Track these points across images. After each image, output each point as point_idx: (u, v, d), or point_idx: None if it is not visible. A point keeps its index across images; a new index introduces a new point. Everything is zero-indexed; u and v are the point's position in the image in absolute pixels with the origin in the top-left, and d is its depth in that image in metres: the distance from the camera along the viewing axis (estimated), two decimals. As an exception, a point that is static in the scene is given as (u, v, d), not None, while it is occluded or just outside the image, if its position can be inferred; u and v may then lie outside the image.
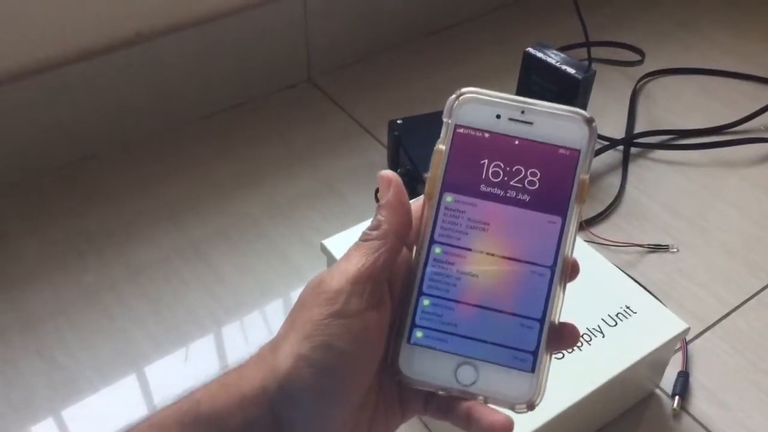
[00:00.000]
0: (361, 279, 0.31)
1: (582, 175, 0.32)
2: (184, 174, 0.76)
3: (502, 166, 0.32)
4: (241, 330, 0.62)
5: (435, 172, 0.32)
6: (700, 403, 0.58)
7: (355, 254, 0.32)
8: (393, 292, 0.33)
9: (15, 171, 0.73)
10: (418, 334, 0.32)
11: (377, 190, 0.72)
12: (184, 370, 0.59)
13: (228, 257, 0.67)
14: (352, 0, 0.86)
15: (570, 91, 0.68)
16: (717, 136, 0.82)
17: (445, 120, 0.33)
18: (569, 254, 0.32)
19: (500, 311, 0.32)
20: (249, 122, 0.82)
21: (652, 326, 0.53)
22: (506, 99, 0.32)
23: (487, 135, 0.32)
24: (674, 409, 0.57)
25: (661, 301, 0.57)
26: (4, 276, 0.65)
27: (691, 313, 0.63)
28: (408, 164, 0.70)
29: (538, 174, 0.32)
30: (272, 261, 0.67)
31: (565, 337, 0.32)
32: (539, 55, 0.69)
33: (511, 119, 0.32)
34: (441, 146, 0.33)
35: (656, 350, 0.52)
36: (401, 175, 0.71)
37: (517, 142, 0.32)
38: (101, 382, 0.58)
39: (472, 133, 0.32)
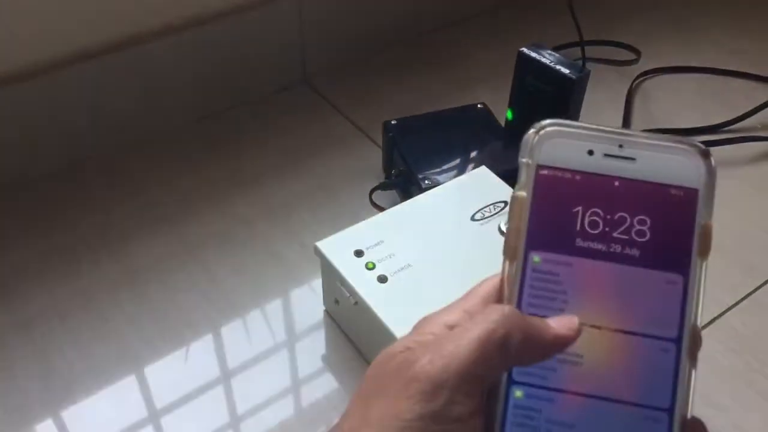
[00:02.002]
0: (474, 369, 0.23)
1: (704, 221, 0.26)
2: (179, 176, 0.76)
3: (602, 214, 0.26)
4: (237, 332, 0.62)
5: (516, 225, 0.26)
6: (694, 403, 0.57)
7: (471, 332, 0.23)
8: None
9: (9, 174, 0.73)
10: None
11: (372, 191, 0.73)
12: (181, 372, 0.59)
13: (223, 259, 0.68)
14: (347, 1, 0.86)
15: (565, 91, 0.68)
16: (713, 135, 0.82)
17: (523, 160, 0.27)
18: (697, 324, 0.26)
19: (616, 402, 0.25)
20: (243, 124, 0.82)
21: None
22: (598, 130, 0.27)
23: (578, 177, 0.27)
24: (669, 410, 0.56)
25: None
26: (0, 278, 0.65)
27: (686, 313, 0.63)
28: (402, 165, 0.70)
29: (648, 222, 0.26)
30: (267, 263, 0.67)
31: None
32: (533, 55, 0.69)
33: (607, 155, 0.27)
34: (521, 193, 0.26)
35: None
36: (395, 176, 0.71)
37: (617, 184, 0.26)
38: (97, 386, 0.58)
39: (560, 174, 0.27)
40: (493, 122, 0.74)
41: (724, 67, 0.91)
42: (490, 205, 0.59)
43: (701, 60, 0.92)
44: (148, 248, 0.68)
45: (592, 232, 0.26)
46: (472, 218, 0.59)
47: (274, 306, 0.64)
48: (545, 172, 0.27)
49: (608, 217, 0.26)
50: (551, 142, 0.27)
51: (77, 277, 0.66)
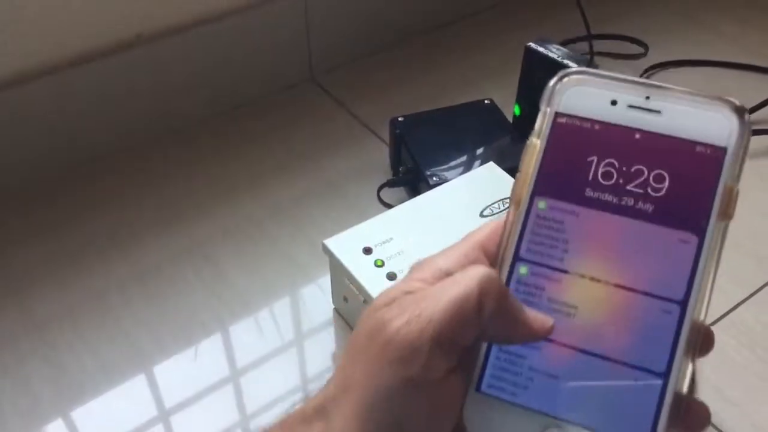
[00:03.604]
0: (449, 333, 0.22)
1: (729, 183, 0.24)
2: (187, 175, 0.76)
3: (617, 165, 0.25)
4: (246, 330, 0.62)
5: (525, 172, 0.25)
6: (706, 398, 0.57)
7: (448, 292, 0.23)
8: None
9: (19, 175, 0.73)
10: (492, 380, 0.24)
11: (379, 188, 0.72)
12: (191, 371, 0.59)
13: (232, 258, 0.68)
14: (352, -2, 0.86)
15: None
16: (722, 128, 0.82)
17: (542, 108, 0.26)
18: (706, 292, 0.25)
19: (606, 359, 0.24)
20: (251, 122, 0.82)
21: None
22: (626, 80, 0.26)
23: (597, 126, 0.25)
24: (681, 405, 0.56)
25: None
26: (10, 279, 0.65)
27: (697, 308, 0.63)
28: (410, 162, 0.70)
29: (667, 178, 0.24)
30: (276, 261, 0.67)
31: (694, 421, 0.25)
32: (541, 50, 0.69)
33: (631, 106, 0.25)
34: (534, 140, 0.26)
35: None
36: (403, 173, 0.71)
37: (638, 137, 0.25)
38: (108, 385, 0.58)
39: (578, 123, 0.25)
40: (500, 118, 0.73)
41: (733, 60, 0.90)
42: (499, 201, 0.59)
43: (709, 53, 0.91)
44: (158, 247, 0.68)
45: (605, 183, 0.25)
46: (481, 214, 0.59)
47: (283, 304, 0.64)
48: (563, 120, 0.26)
49: (624, 169, 0.25)
50: (574, 90, 0.26)
51: (88, 276, 0.66)
